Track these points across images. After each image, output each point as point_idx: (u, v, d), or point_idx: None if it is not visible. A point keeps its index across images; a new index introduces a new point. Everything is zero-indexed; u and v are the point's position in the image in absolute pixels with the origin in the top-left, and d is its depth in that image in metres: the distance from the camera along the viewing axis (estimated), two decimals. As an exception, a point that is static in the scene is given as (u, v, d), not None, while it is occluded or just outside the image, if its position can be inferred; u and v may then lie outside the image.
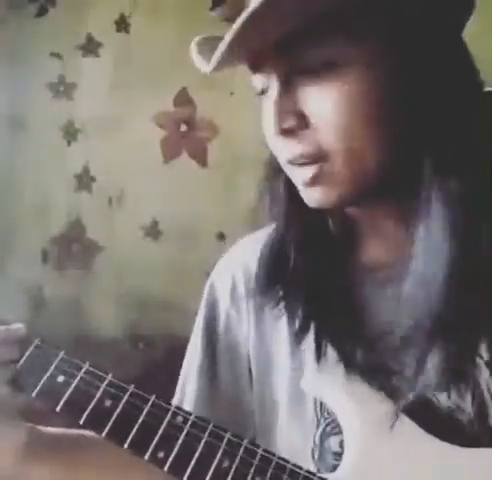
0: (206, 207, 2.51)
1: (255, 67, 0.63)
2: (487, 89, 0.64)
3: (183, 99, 2.55)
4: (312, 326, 0.68)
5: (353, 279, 0.69)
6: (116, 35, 2.54)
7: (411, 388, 0.61)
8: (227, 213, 2.46)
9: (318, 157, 0.60)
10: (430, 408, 0.62)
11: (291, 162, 0.63)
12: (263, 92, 0.64)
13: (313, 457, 0.67)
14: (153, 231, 2.58)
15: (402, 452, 0.61)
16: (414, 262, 0.61)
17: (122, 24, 2.54)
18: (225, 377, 0.77)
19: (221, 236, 2.50)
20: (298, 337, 0.69)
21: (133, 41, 2.54)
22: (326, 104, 0.59)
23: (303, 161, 0.61)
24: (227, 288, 0.78)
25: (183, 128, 2.57)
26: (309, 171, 0.61)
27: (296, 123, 0.60)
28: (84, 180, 2.59)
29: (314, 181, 0.61)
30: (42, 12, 2.54)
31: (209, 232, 2.50)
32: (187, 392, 0.79)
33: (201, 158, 2.56)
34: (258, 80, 0.64)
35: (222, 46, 0.55)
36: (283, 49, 0.59)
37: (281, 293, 0.70)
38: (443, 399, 0.62)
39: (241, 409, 0.76)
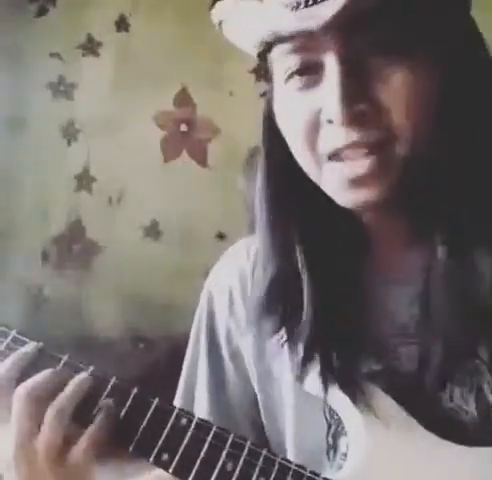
0: (206, 207, 2.51)
1: (302, 43, 0.56)
2: None
3: (183, 99, 2.55)
4: (315, 356, 0.65)
5: (366, 292, 0.68)
6: (116, 35, 2.54)
7: (415, 390, 0.61)
8: (227, 213, 2.46)
9: (382, 142, 0.56)
10: (433, 409, 0.62)
11: (344, 152, 0.57)
12: (298, 73, 0.58)
13: (328, 458, 0.67)
14: (153, 231, 2.58)
15: (405, 452, 0.61)
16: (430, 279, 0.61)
17: (122, 24, 2.54)
18: (235, 390, 0.76)
19: (221, 236, 2.50)
20: (302, 367, 0.66)
21: (133, 41, 2.54)
22: (399, 83, 0.54)
23: (359, 150, 0.56)
24: (225, 300, 0.77)
25: (183, 128, 2.57)
26: (364, 163, 0.56)
27: (367, 106, 0.55)
28: (84, 180, 2.59)
29: (369, 174, 0.56)
30: (42, 12, 2.54)
31: (209, 232, 2.50)
32: (197, 408, 0.78)
33: (201, 158, 2.56)
34: (295, 59, 0.57)
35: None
36: (349, 24, 0.53)
37: (282, 323, 0.67)
38: (446, 401, 0.62)
39: (254, 416, 0.75)
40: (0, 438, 0.62)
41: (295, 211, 0.65)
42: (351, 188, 0.58)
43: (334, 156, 0.58)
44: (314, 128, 0.58)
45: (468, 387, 0.61)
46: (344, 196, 0.59)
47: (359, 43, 0.55)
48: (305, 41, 0.56)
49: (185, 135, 2.57)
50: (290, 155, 0.63)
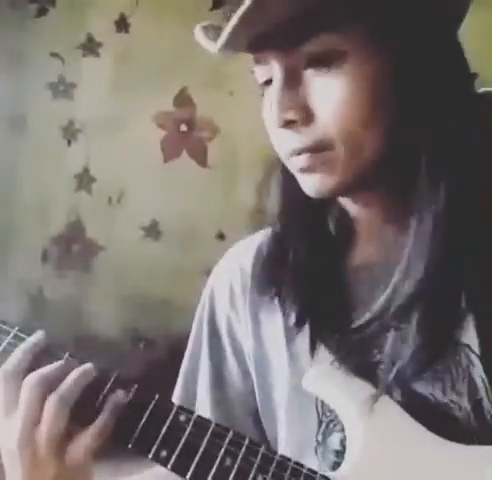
0: (206, 207, 2.52)
1: (258, 56, 0.63)
2: (486, 89, 0.64)
3: (183, 99, 2.56)
4: (307, 322, 0.69)
5: (348, 277, 0.69)
6: (116, 35, 2.55)
7: (401, 380, 0.62)
8: (227, 213, 2.46)
9: (318, 148, 0.61)
10: (427, 405, 0.62)
11: (290, 153, 0.63)
12: (266, 83, 0.64)
13: (316, 454, 0.67)
14: (153, 231, 2.59)
15: (403, 449, 0.61)
16: (404, 253, 0.62)
17: (122, 24, 2.55)
18: (235, 383, 0.77)
19: (221, 236, 2.51)
20: (292, 331, 0.70)
21: (133, 41, 2.55)
22: (330, 95, 0.59)
23: (301, 152, 0.62)
24: (226, 295, 0.78)
25: (183, 128, 2.57)
26: (306, 157, 0.62)
27: (299, 115, 0.60)
28: (84, 180, 2.60)
29: (311, 167, 0.62)
30: (42, 12, 2.55)
31: (209, 232, 2.51)
32: (199, 405, 0.78)
33: (201, 158, 2.57)
34: (261, 71, 0.64)
35: (230, 25, 0.56)
36: (287, 38, 0.59)
37: (276, 290, 0.71)
38: (439, 395, 0.62)
39: (254, 411, 0.76)
40: (5, 428, 0.62)
41: (293, 203, 0.70)
42: (304, 175, 0.64)
43: (289, 153, 0.64)
44: (275, 129, 0.64)
45: (461, 379, 0.62)
46: (302, 183, 0.65)
47: (295, 58, 0.60)
48: (258, 55, 0.63)
49: (185, 135, 2.57)
50: None
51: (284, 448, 0.70)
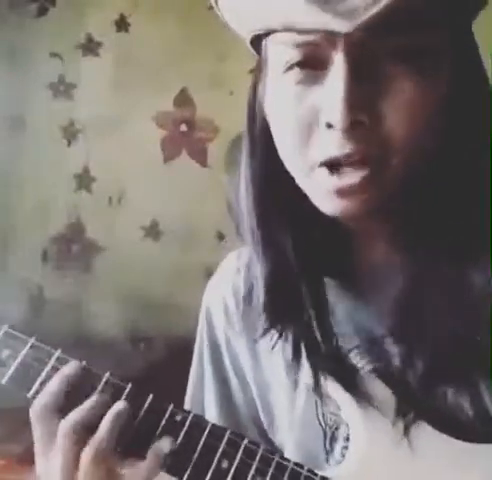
0: (206, 207, 2.51)
1: (312, 38, 0.52)
2: None
3: (183, 99, 2.55)
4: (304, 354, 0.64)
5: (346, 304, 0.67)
6: (116, 35, 2.55)
7: (407, 388, 0.61)
8: (227, 213, 2.46)
9: (378, 155, 0.53)
10: (432, 404, 0.62)
11: (334, 162, 0.54)
12: (299, 65, 0.54)
13: (328, 464, 0.66)
14: (153, 231, 2.58)
15: (406, 448, 0.61)
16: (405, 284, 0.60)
17: (122, 24, 2.55)
18: (240, 399, 0.75)
19: (220, 236, 2.50)
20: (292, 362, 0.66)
21: (133, 41, 2.54)
22: (405, 97, 0.52)
23: (353, 160, 0.53)
24: (221, 311, 0.76)
25: (183, 128, 2.57)
26: (355, 176, 0.53)
27: (370, 117, 0.52)
28: (84, 180, 2.59)
29: (350, 189, 0.54)
30: (42, 12, 2.55)
31: (209, 232, 2.51)
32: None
33: (201, 158, 2.56)
34: (299, 50, 0.53)
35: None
36: (374, 26, 0.49)
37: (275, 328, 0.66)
38: (440, 397, 0.62)
39: (261, 426, 0.74)
40: (45, 469, 0.60)
41: (282, 215, 0.63)
42: (336, 198, 0.55)
43: (326, 164, 0.54)
44: (310, 129, 0.54)
45: (463, 383, 0.61)
46: (328, 204, 0.57)
47: (375, 48, 0.51)
48: (316, 36, 0.52)
49: (185, 135, 2.57)
50: (275, 152, 0.60)
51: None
